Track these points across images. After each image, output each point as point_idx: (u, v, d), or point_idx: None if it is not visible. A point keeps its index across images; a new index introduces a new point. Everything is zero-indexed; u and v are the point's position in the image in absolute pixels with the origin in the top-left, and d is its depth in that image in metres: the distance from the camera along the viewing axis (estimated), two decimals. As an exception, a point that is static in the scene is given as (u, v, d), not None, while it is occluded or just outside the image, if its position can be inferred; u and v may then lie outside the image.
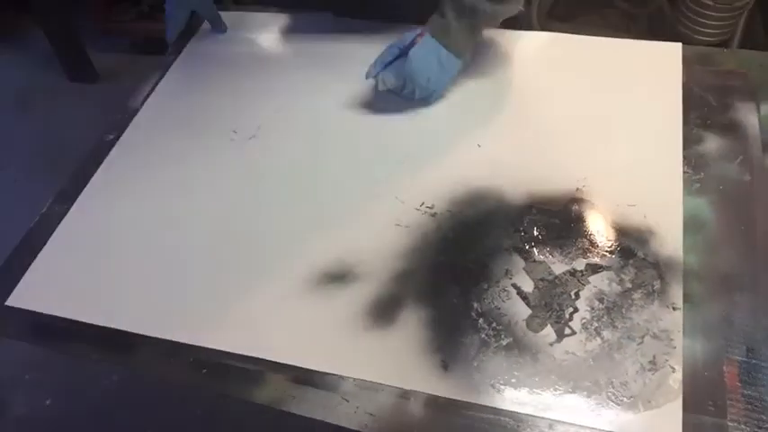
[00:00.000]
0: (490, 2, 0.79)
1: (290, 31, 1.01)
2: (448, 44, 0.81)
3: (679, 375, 0.58)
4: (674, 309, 0.62)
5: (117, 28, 2.22)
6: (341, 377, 0.61)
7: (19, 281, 0.74)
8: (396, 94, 0.85)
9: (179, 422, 1.39)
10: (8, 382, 1.49)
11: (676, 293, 0.63)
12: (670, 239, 0.68)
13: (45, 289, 0.73)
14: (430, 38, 0.82)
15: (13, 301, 0.72)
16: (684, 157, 0.75)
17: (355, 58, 0.89)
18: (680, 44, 0.88)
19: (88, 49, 2.18)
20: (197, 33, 1.03)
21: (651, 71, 0.85)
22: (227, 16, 1.03)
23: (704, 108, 0.80)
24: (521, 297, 0.65)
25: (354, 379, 0.61)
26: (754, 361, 0.59)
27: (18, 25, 2.38)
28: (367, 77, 0.84)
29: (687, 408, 0.56)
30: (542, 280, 0.66)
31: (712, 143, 0.76)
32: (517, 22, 0.88)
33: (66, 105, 2.11)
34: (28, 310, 0.71)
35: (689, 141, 0.77)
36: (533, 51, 0.92)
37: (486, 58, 0.90)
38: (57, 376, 1.48)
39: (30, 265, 0.75)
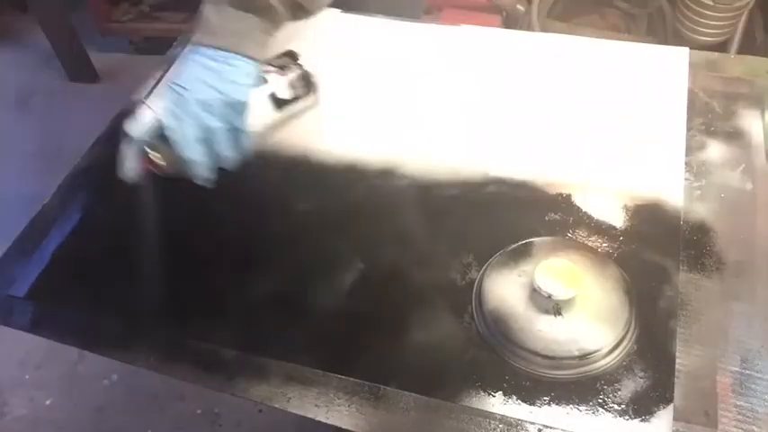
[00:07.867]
0: None
1: (295, 27, 1.01)
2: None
3: (671, 383, 0.58)
4: (669, 316, 0.62)
5: (117, 28, 2.22)
6: (334, 376, 0.62)
7: (22, 270, 0.74)
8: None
9: (179, 421, 1.40)
10: (8, 382, 1.49)
11: (672, 301, 0.63)
12: (668, 246, 0.67)
13: (48, 279, 0.74)
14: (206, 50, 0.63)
15: (17, 290, 0.73)
16: (686, 164, 0.75)
17: (360, 56, 0.89)
18: (687, 49, 0.87)
19: (88, 49, 2.18)
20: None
21: (656, 75, 0.85)
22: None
23: (708, 114, 0.80)
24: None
25: (348, 378, 0.62)
26: (747, 371, 0.58)
27: (18, 25, 2.38)
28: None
29: (678, 416, 0.56)
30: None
31: (715, 150, 0.76)
32: (517, 22, 0.87)
33: (66, 105, 2.11)
34: (30, 301, 0.72)
35: (691, 148, 0.76)
36: (535, 53, 0.91)
37: (488, 59, 0.90)
38: (57, 376, 1.49)
39: (32, 255, 0.76)
